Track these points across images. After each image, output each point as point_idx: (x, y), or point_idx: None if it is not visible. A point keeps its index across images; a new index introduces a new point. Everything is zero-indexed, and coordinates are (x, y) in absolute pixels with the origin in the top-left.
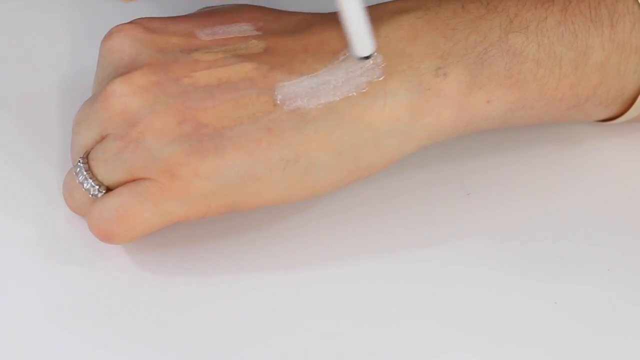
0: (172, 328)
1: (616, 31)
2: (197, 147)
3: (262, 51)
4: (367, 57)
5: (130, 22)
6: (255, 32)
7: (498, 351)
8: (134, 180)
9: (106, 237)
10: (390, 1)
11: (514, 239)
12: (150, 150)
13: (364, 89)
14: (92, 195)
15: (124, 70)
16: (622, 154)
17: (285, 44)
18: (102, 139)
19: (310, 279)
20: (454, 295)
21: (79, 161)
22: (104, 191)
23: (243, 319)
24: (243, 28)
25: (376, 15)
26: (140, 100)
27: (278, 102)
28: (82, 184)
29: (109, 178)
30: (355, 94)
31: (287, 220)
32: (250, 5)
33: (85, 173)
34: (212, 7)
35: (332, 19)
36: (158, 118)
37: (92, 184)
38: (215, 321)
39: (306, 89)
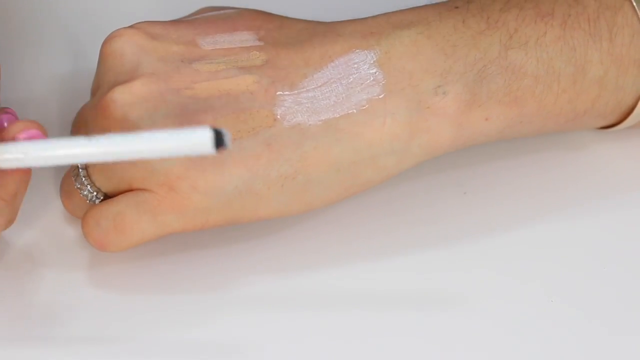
0: (172, 330)
1: (615, 44)
2: (197, 161)
3: (264, 63)
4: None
5: (132, 27)
6: (257, 42)
7: (495, 348)
8: (132, 190)
9: (101, 245)
10: (390, 12)
11: (510, 238)
12: (149, 163)
13: (363, 106)
14: (89, 201)
15: (125, 78)
16: (617, 154)
17: (286, 56)
18: None
19: (310, 282)
20: (452, 295)
21: (78, 166)
22: (101, 197)
23: (244, 322)
24: (244, 37)
25: (377, 27)
26: (141, 110)
27: (278, 117)
28: (80, 189)
29: (106, 186)
30: (355, 111)
31: (286, 224)
32: (251, 12)
33: (83, 179)
34: (213, 8)
35: (333, 29)
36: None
37: (90, 190)
38: (216, 323)
39: (306, 104)
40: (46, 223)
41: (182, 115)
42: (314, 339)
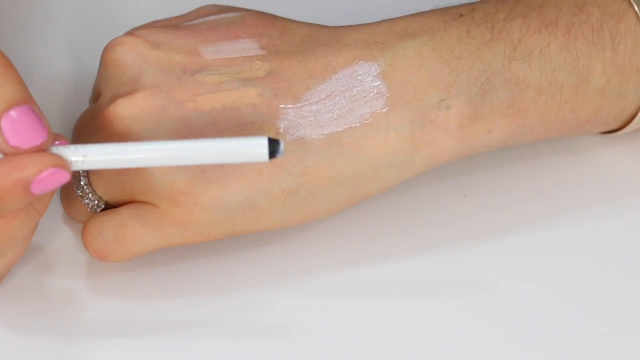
0: (172, 334)
1: (617, 53)
2: (199, 176)
3: (266, 74)
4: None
5: (133, 35)
6: (259, 51)
7: (495, 351)
8: (134, 201)
9: (101, 255)
10: (394, 19)
11: (512, 241)
12: (151, 176)
13: (367, 119)
14: (90, 209)
15: (126, 89)
16: (619, 158)
17: (289, 67)
18: None
19: (311, 287)
20: (452, 296)
21: (80, 174)
22: (102, 206)
23: (243, 326)
24: (247, 45)
25: (381, 37)
26: (143, 124)
27: (281, 130)
28: (81, 197)
29: (108, 195)
30: (358, 124)
31: (287, 231)
32: (252, 16)
33: (84, 187)
34: (214, 7)
35: (336, 38)
36: None
37: (91, 198)
38: (216, 328)
39: (309, 118)
40: (46, 225)
41: (185, 129)
42: (314, 340)
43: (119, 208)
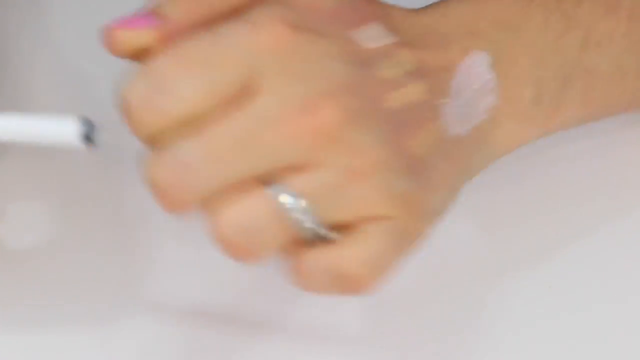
0: (172, 335)
1: None
2: (421, 180)
3: (417, 67)
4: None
5: (274, 19)
6: (391, 37)
7: (495, 350)
8: (361, 220)
9: (356, 289)
10: (482, 6)
11: (510, 240)
12: (382, 184)
13: (484, 115)
14: (314, 236)
15: (313, 87)
16: (618, 157)
17: (424, 59)
18: (303, 166)
19: None
20: (452, 296)
21: (289, 192)
22: (325, 230)
23: (243, 326)
24: (378, 31)
25: (475, 25)
26: (355, 128)
27: (446, 127)
28: (299, 221)
29: (330, 217)
30: (479, 120)
31: None
32: None
33: (302, 208)
34: None
35: (437, 22)
36: (382, 148)
37: (314, 221)
38: (217, 325)
39: (456, 113)
40: (45, 226)
41: (394, 132)
42: (314, 340)
43: (362, 234)
